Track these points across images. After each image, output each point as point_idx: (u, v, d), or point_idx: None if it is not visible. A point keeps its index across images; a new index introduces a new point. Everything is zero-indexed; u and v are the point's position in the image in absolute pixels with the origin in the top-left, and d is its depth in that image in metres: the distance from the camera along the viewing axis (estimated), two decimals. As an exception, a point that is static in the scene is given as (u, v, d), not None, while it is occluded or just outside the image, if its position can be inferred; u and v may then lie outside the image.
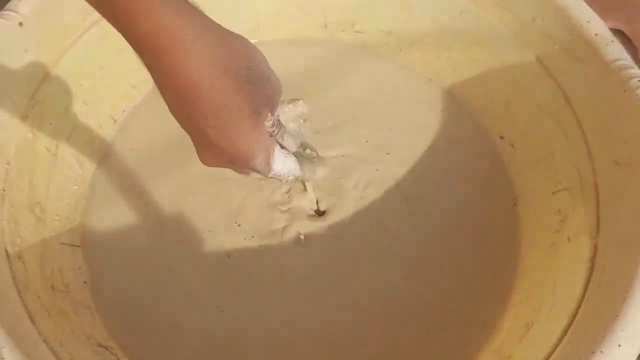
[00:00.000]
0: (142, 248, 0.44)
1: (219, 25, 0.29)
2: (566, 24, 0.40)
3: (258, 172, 0.32)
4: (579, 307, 0.36)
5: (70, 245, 0.44)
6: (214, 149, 0.30)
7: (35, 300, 0.37)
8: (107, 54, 0.46)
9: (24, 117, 0.41)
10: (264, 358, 0.41)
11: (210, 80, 0.27)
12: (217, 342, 0.41)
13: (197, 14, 0.28)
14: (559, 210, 0.43)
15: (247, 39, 0.30)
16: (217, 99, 0.28)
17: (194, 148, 0.31)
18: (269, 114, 0.30)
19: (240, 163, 0.30)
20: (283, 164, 0.33)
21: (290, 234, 0.45)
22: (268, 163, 0.31)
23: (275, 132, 0.32)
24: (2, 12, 0.39)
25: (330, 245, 0.45)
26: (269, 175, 0.33)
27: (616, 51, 0.38)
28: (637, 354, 0.30)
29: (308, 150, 0.37)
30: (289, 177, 0.34)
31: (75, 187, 0.46)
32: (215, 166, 0.32)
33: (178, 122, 0.30)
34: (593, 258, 0.37)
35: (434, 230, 0.46)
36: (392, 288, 0.43)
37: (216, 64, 0.27)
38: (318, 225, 0.45)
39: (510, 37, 0.45)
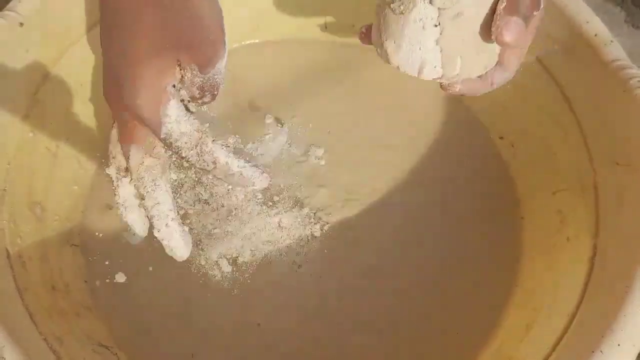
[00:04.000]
0: (142, 248, 0.44)
1: None
2: (566, 24, 0.40)
3: (145, 121, 0.27)
4: (579, 307, 0.36)
5: (70, 245, 0.44)
6: (106, 75, 0.27)
7: (36, 300, 0.37)
8: (107, 54, 0.46)
9: (25, 117, 0.41)
10: None
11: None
12: (218, 343, 0.41)
13: None
14: (559, 211, 0.43)
15: None
16: (127, 16, 0.25)
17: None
18: (178, 59, 0.26)
19: (126, 97, 0.26)
20: (178, 121, 0.26)
21: (291, 246, 0.44)
22: (156, 112, 0.26)
23: (181, 87, 0.27)
24: (3, 13, 0.39)
25: (330, 247, 0.44)
26: (162, 135, 0.27)
27: (616, 51, 0.38)
28: (637, 354, 0.30)
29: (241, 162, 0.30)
30: (188, 150, 0.27)
31: (76, 187, 0.46)
32: (109, 101, 0.29)
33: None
34: (593, 258, 0.37)
35: (434, 231, 0.46)
36: (392, 288, 0.43)
37: None
38: (316, 229, 0.45)
39: (510, 37, 0.45)
